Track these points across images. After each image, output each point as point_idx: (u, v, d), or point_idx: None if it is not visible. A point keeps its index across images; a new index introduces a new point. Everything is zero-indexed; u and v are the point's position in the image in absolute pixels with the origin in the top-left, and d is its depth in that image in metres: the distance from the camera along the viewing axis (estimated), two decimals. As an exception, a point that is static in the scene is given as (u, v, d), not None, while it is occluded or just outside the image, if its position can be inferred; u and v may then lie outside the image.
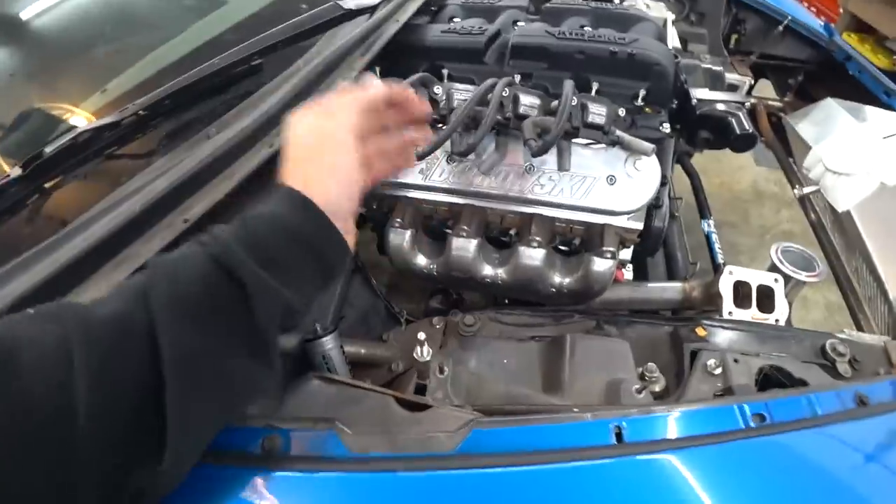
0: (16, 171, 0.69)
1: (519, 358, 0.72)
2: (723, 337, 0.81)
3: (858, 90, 1.47)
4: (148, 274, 0.40)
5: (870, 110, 1.33)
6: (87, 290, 0.56)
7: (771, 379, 0.73)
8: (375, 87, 0.55)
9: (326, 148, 0.48)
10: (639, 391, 0.61)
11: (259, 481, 0.40)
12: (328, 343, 0.80)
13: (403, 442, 0.44)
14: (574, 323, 0.82)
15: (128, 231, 0.60)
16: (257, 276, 0.40)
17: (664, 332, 0.82)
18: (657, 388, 0.70)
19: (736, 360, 0.70)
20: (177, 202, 0.63)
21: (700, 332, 0.82)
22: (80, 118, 0.83)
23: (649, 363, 0.70)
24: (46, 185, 0.72)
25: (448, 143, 0.71)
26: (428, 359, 0.61)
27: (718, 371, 0.68)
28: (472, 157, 0.80)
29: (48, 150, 0.70)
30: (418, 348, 0.62)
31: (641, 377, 0.70)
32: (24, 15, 0.94)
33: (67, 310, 0.37)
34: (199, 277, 0.39)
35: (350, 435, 0.42)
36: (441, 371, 0.65)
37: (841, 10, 3.66)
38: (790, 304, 0.98)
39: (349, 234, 0.48)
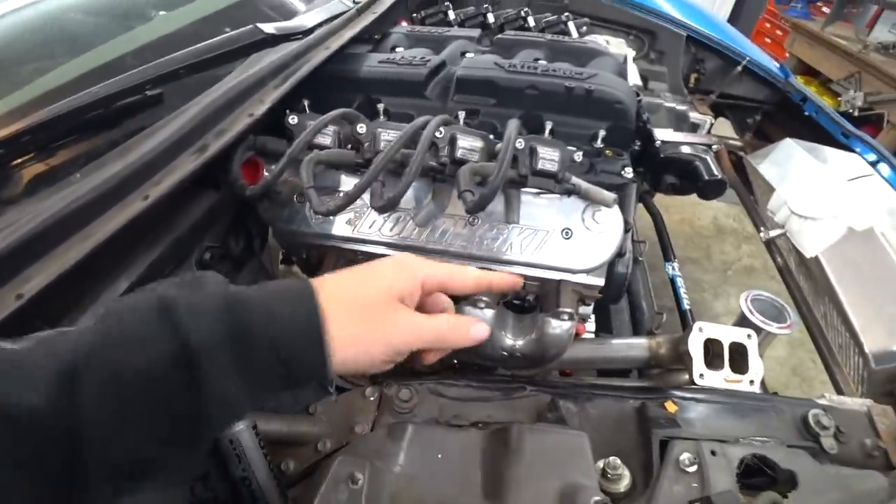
0: None
1: (457, 452, 0.59)
2: (696, 412, 0.71)
3: (814, 130, 1.46)
4: (91, 349, 0.33)
5: (830, 152, 1.32)
6: None
7: (754, 469, 0.62)
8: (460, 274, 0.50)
9: (372, 315, 0.42)
10: (599, 504, 0.49)
11: None
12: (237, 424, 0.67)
13: None
14: (525, 398, 0.71)
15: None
16: (226, 394, 0.35)
17: (630, 409, 0.70)
18: (621, 488, 0.58)
19: (713, 453, 0.59)
20: (11, 271, 0.48)
21: (670, 407, 0.71)
22: None
23: (612, 457, 0.59)
24: None
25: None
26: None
27: (693, 468, 0.57)
28: (408, 205, 0.69)
29: None
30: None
31: (603, 474, 0.58)
32: None
33: None
34: (156, 373, 0.33)
35: None
36: (353, 482, 0.51)
37: (787, 54, 3.83)
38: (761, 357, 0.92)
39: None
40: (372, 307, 0.42)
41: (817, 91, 3.52)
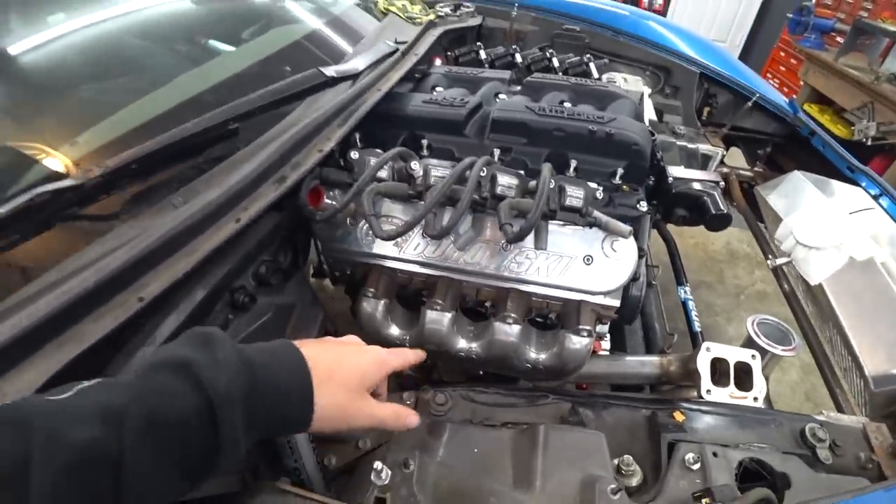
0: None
1: (490, 447, 0.68)
2: (702, 422, 0.79)
3: (823, 162, 1.53)
4: (130, 396, 0.40)
5: (836, 185, 1.37)
6: (26, 372, 0.51)
7: (751, 472, 0.70)
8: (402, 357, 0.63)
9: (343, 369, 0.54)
10: (614, 492, 0.58)
11: None
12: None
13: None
14: (548, 405, 0.79)
15: (77, 308, 0.56)
16: (237, 440, 0.42)
17: (642, 417, 0.79)
18: (634, 482, 0.67)
19: (715, 454, 0.67)
20: (132, 278, 0.59)
21: (678, 416, 0.79)
22: (44, 170, 0.78)
23: (625, 455, 0.67)
24: (-5, 249, 0.68)
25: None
26: (387, 482, 0.58)
27: (697, 466, 0.66)
28: (449, 231, 0.79)
29: (1, 210, 0.65)
30: (374, 474, 0.58)
31: (618, 470, 0.67)
32: (12, 49, 0.87)
33: (39, 419, 0.36)
34: (184, 419, 0.40)
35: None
36: (406, 466, 0.61)
37: (801, 83, 3.89)
38: (767, 378, 0.98)
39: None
40: (349, 392, 0.53)
41: (831, 120, 3.57)
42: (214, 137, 0.80)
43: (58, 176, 0.73)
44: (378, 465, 0.57)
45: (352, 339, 0.61)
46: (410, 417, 0.60)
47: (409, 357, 0.65)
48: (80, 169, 0.73)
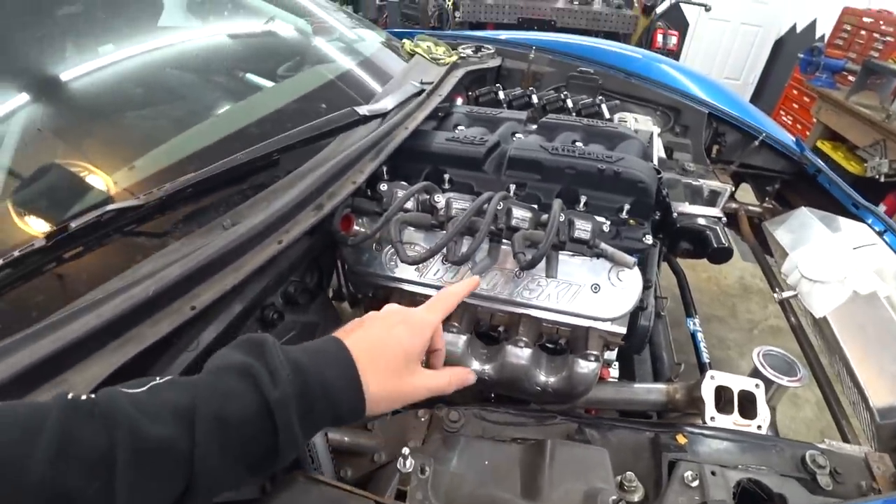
0: (39, 242, 0.70)
1: (500, 460, 0.73)
2: (704, 445, 0.82)
3: (830, 199, 1.56)
4: (198, 396, 0.43)
5: (842, 221, 1.41)
6: (92, 366, 0.59)
7: (749, 492, 0.74)
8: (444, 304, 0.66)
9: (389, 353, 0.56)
10: (615, 502, 0.62)
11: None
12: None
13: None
14: (556, 425, 0.84)
15: (138, 313, 0.64)
16: (295, 438, 0.46)
17: (645, 438, 0.83)
18: (636, 498, 0.71)
19: (713, 473, 0.71)
20: (186, 289, 0.67)
21: (681, 439, 0.83)
22: (104, 191, 0.85)
23: (628, 472, 0.72)
24: (63, 258, 0.75)
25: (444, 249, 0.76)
26: (410, 470, 0.63)
27: (695, 483, 0.70)
28: (467, 258, 0.86)
29: (73, 225, 0.72)
30: (401, 460, 0.63)
31: (620, 486, 0.71)
32: (65, 75, 0.95)
33: (121, 415, 0.40)
34: (247, 420, 0.44)
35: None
36: (422, 472, 0.66)
37: (814, 121, 3.95)
38: (773, 409, 1.00)
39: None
40: (395, 373, 0.55)
41: (844, 157, 3.61)
42: (259, 167, 0.89)
43: (121, 196, 0.82)
44: (406, 450, 0.62)
45: (391, 309, 0.61)
46: (468, 376, 0.63)
47: (450, 301, 0.65)
48: (140, 191, 0.82)
